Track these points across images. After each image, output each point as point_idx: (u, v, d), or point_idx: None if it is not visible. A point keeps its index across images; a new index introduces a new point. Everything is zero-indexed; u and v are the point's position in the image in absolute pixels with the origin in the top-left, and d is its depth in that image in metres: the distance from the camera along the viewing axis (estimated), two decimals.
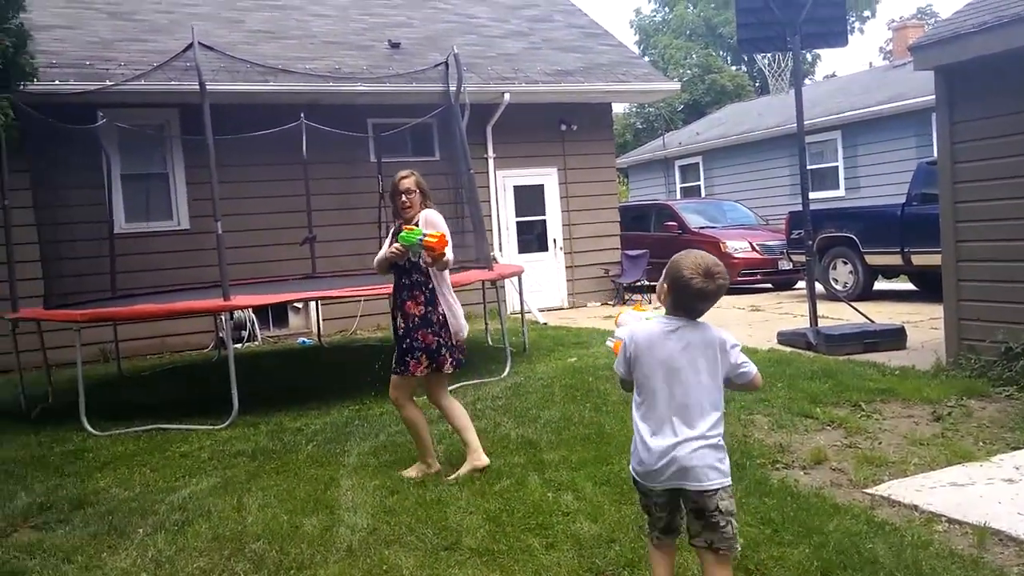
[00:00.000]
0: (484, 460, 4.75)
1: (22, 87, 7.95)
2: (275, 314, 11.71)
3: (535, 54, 13.60)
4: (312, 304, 11.38)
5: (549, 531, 3.83)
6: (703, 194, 21.64)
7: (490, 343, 9.54)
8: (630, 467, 2.93)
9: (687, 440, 2.71)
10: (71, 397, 6.69)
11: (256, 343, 11.17)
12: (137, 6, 12.37)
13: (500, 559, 3.57)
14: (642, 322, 2.93)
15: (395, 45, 12.64)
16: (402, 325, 4.65)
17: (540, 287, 12.82)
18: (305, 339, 11.27)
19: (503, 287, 8.39)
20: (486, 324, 9.96)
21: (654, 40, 40.70)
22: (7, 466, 5.45)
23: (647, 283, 13.59)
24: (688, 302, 2.78)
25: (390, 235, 4.82)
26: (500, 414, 6.07)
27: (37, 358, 7.61)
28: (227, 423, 6.21)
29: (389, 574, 3.51)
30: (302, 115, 10.19)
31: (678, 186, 23.04)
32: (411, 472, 4.78)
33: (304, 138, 10.28)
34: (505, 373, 7.57)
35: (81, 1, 12.13)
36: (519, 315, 9.72)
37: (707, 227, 15.01)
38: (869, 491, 4.23)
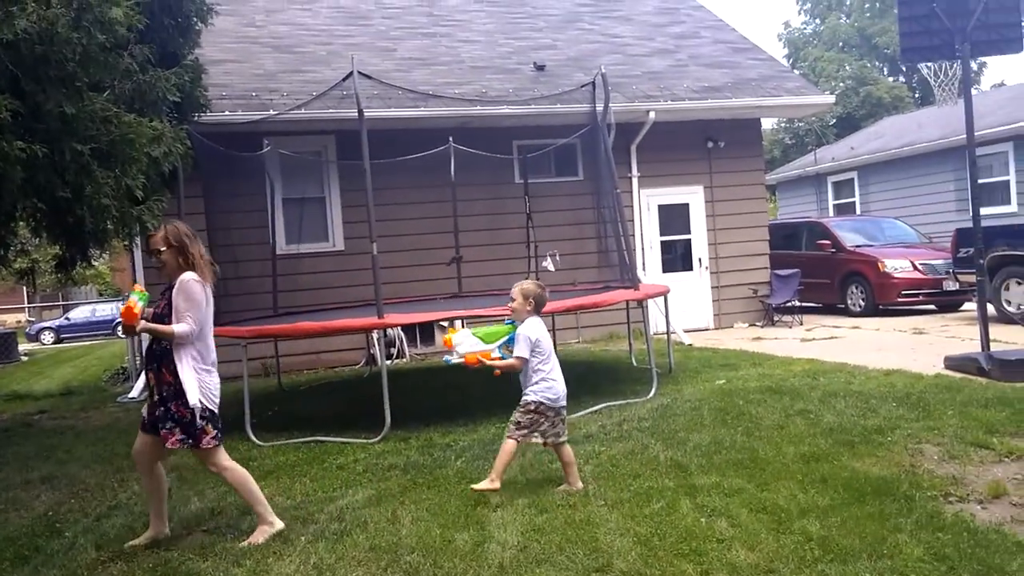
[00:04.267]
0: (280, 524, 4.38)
1: (197, 118, 8.60)
2: (422, 332, 12.05)
3: (681, 71, 13.43)
4: (458, 323, 11.62)
5: (703, 558, 3.69)
6: (858, 211, 20.59)
7: (634, 363, 9.41)
8: (543, 399, 4.78)
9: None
10: (236, 409, 7.09)
11: (404, 360, 11.52)
12: (298, 39, 13.15)
13: None
14: (532, 321, 4.82)
15: (540, 67, 12.81)
16: (157, 394, 4.21)
17: (685, 307, 12.55)
18: (450, 357, 11.48)
19: (647, 307, 8.25)
20: (630, 344, 9.84)
21: (804, 53, 39.39)
22: (181, 473, 5.84)
23: (798, 304, 13.04)
24: (541, 308, 4.90)
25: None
26: (647, 436, 5.95)
27: None
28: (380, 437, 6.41)
29: None
30: (450, 139, 10.48)
31: (831, 203, 22.03)
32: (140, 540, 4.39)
33: (452, 161, 10.56)
34: (651, 394, 7.43)
35: (248, 36, 13.02)
36: (663, 335, 9.54)
37: (864, 245, 14.23)
38: None
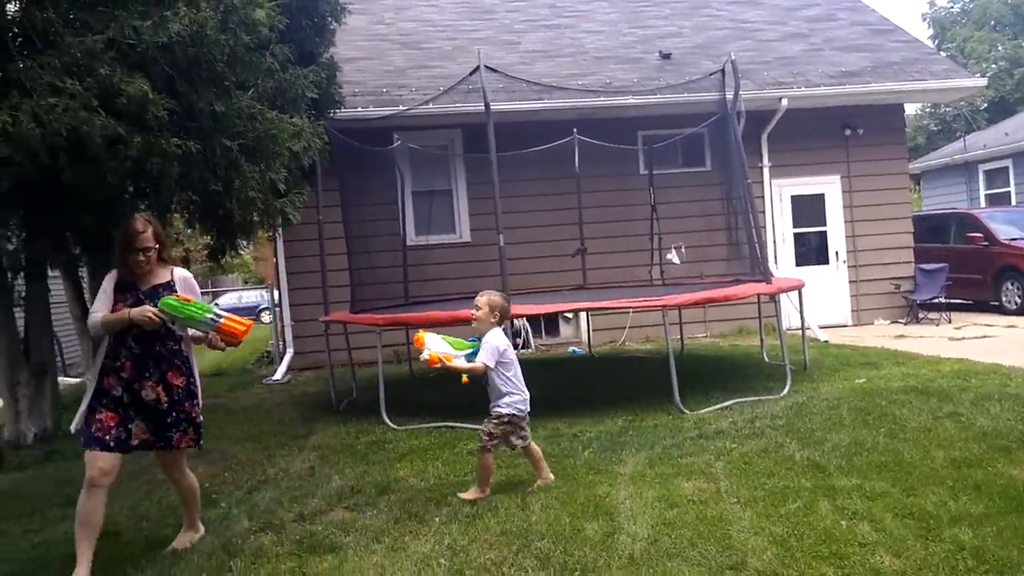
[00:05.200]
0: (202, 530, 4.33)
1: (332, 114, 8.94)
2: (547, 323, 12.11)
3: (815, 56, 12.88)
4: (583, 315, 11.61)
5: (844, 562, 3.54)
6: (1014, 202, 19.16)
7: (766, 359, 9.12)
8: (515, 411, 4.81)
9: None
10: (371, 394, 7.35)
11: (530, 350, 11.61)
12: (425, 35, 13.44)
13: None
14: (496, 331, 4.82)
15: (666, 56, 12.58)
16: (166, 398, 3.96)
17: (820, 303, 12.05)
18: (575, 348, 11.51)
19: (779, 302, 7.98)
20: (761, 340, 9.55)
21: (952, 33, 36.91)
22: (323, 452, 6.11)
23: (944, 300, 12.29)
24: (504, 322, 5.01)
25: (111, 289, 3.98)
26: (781, 434, 5.76)
27: (343, 357, 8.47)
28: None
29: None
30: (574, 130, 10.45)
31: (982, 193, 20.59)
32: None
33: (576, 152, 10.52)
34: (784, 391, 7.18)
35: (378, 34, 13.42)
36: (796, 331, 9.20)
37: (1021, 238, 13.23)
38: None
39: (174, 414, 3.99)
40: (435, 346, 4.66)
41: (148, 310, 3.81)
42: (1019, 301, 12.69)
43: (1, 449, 6.70)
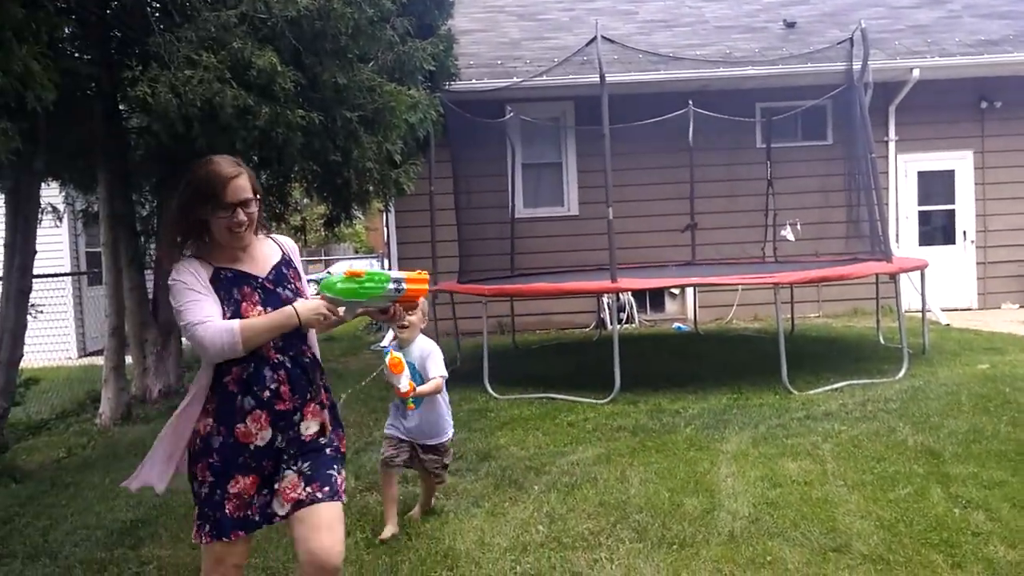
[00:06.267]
0: None
1: (448, 86, 9.08)
2: (652, 299, 12.01)
3: (952, 23, 12.13)
4: (689, 291, 11.46)
5: (955, 550, 3.43)
6: None
7: (882, 342, 8.79)
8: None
9: None
10: (474, 363, 7.51)
11: (634, 325, 11.57)
12: (543, 7, 13.40)
13: (896, 570, 3.29)
14: (428, 340, 4.01)
15: (790, 25, 12.14)
16: (313, 432, 2.58)
17: (943, 284, 11.48)
18: (680, 325, 11.39)
19: (899, 282, 7.66)
20: (878, 321, 9.20)
21: None
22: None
23: None
24: None
25: (207, 281, 2.46)
26: (895, 418, 5.58)
27: (448, 326, 8.67)
28: (609, 398, 6.53)
29: (773, 566, 3.41)
30: (690, 102, 10.25)
31: None
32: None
33: (691, 124, 10.32)
34: (900, 375, 6.92)
35: (495, 6, 13.47)
36: (916, 313, 8.82)
37: None
38: None
39: (328, 449, 2.61)
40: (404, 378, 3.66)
41: (321, 305, 2.45)
42: None
43: (128, 403, 7.19)
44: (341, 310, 2.49)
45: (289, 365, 2.51)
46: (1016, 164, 11.83)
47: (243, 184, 2.43)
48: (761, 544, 3.61)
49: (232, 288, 2.48)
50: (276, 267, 2.58)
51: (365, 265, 3.08)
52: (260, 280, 2.53)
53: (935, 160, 11.97)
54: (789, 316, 9.98)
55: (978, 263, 11.98)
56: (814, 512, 3.92)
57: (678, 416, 5.97)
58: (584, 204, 11.64)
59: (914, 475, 4.37)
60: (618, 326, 8.04)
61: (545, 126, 11.71)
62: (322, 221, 10.51)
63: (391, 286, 2.48)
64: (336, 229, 9.02)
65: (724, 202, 11.20)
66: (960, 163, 11.99)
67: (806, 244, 10.32)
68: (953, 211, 12.07)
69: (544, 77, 10.45)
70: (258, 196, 2.50)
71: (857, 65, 8.31)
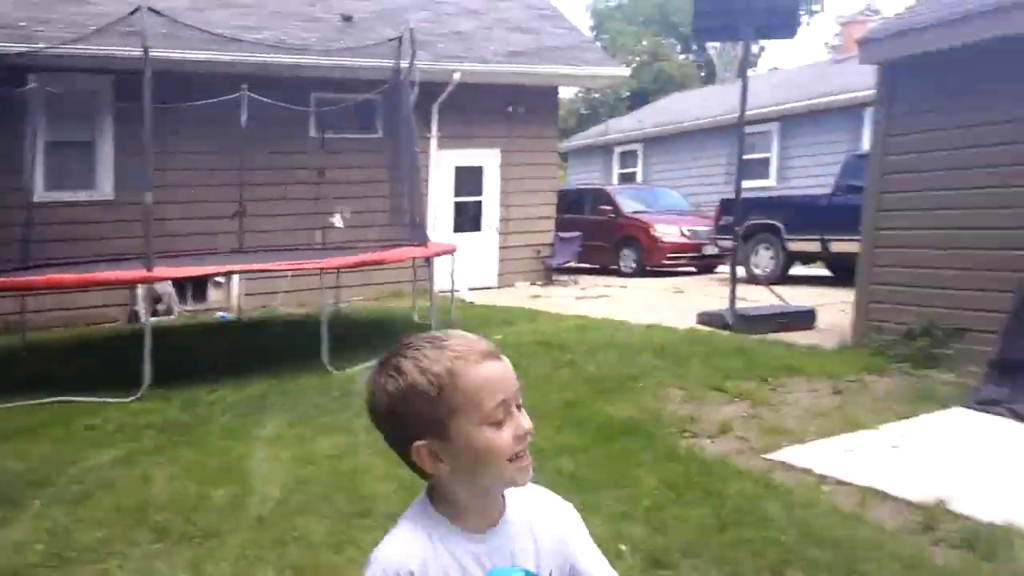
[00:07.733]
0: None
1: None
2: (195, 288, 11.39)
3: (488, 33, 13.44)
4: (235, 279, 11.13)
5: None
6: (640, 180, 21.84)
7: (416, 320, 9.47)
8: None
9: None
10: None
11: (172, 317, 10.84)
12: None
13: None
14: None
15: (347, 18, 12.36)
16: None
17: (472, 267, 12.77)
18: (224, 314, 11.00)
19: (433, 265, 8.32)
20: (413, 302, 9.90)
21: (607, 25, 40.59)
22: None
23: (575, 265, 13.69)
24: None
25: None
26: None
27: None
28: (137, 395, 6.01)
29: (299, 541, 3.45)
30: (244, 87, 9.86)
31: (615, 172, 23.21)
32: None
33: (244, 110, 9.94)
34: None
35: None
36: (448, 293, 9.67)
37: (640, 212, 15.16)
38: (768, 457, 4.42)
39: None
40: None
41: None
42: (634, 265, 14.56)
43: None
44: None
45: None
46: (531, 163, 13.62)
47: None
48: (289, 522, 3.63)
49: None
50: None
51: None
52: None
53: (470, 156, 13.24)
54: (334, 301, 10.23)
55: (500, 247, 13.56)
56: (342, 483, 4.07)
57: (214, 407, 5.76)
58: (121, 189, 10.60)
59: None
60: (153, 318, 7.47)
61: (78, 100, 10.32)
62: None
63: None
64: None
65: (275, 189, 11.05)
66: (489, 160, 13.43)
67: (354, 231, 10.67)
68: (481, 202, 13.49)
69: (79, 45, 9.19)
70: None
71: (405, 64, 8.76)
